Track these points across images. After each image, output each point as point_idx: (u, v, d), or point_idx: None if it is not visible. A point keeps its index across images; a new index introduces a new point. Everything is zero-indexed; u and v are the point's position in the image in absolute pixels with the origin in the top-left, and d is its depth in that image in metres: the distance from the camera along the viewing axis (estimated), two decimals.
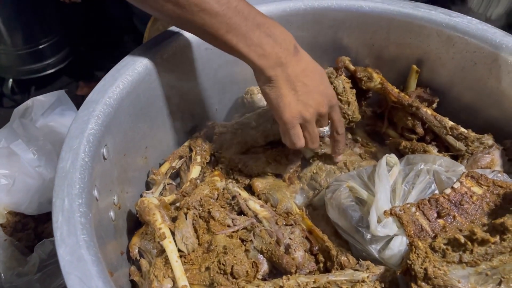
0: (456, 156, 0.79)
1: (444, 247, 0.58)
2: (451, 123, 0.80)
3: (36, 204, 0.88)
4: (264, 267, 0.70)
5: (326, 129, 0.76)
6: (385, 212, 0.65)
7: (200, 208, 0.72)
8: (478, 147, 0.77)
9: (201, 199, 0.73)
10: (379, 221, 0.65)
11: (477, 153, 0.76)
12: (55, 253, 0.79)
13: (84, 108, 0.63)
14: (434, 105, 0.86)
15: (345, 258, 0.69)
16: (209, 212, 0.72)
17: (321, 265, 0.71)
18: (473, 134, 0.79)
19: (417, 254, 0.59)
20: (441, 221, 0.65)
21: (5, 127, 0.95)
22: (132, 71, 0.70)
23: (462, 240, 0.56)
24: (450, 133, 0.79)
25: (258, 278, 0.69)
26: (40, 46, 1.77)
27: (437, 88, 0.86)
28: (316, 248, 0.72)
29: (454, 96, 0.85)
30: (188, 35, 0.78)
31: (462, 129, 0.79)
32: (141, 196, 0.79)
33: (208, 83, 0.87)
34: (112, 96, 0.66)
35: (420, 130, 0.83)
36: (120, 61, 0.71)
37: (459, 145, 0.78)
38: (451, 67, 0.83)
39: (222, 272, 0.66)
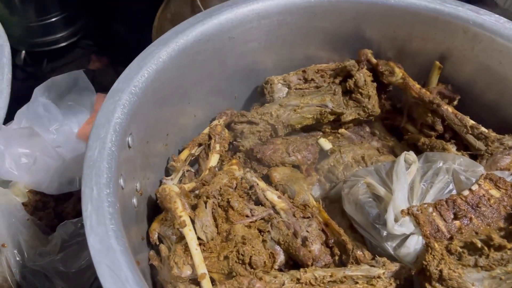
0: (475, 156, 0.79)
1: (461, 250, 0.59)
2: (471, 121, 0.80)
3: (56, 184, 0.90)
4: (281, 257, 0.72)
5: None
6: (402, 211, 0.66)
7: (220, 198, 0.74)
8: (498, 147, 0.77)
9: (221, 188, 0.74)
10: (396, 219, 0.66)
11: (496, 153, 0.76)
12: (76, 234, 0.82)
13: (110, 97, 0.64)
14: (455, 103, 0.85)
15: (361, 252, 0.70)
16: (228, 202, 0.73)
17: (337, 258, 0.73)
18: (493, 134, 0.79)
19: (433, 255, 0.60)
20: (457, 222, 0.66)
21: (26, 106, 0.96)
22: (157, 59, 0.70)
23: (479, 244, 0.57)
24: (470, 132, 0.79)
25: (275, 269, 0.70)
26: (53, 19, 1.77)
27: (459, 85, 0.86)
28: (332, 241, 0.74)
29: (476, 94, 0.85)
30: (211, 24, 0.78)
31: (483, 129, 0.79)
32: (161, 182, 0.80)
33: (229, 71, 0.87)
34: (137, 85, 0.67)
35: (439, 127, 0.83)
36: (144, 50, 0.71)
37: (479, 144, 0.78)
38: (475, 65, 0.83)
39: (240, 262, 0.67)
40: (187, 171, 0.83)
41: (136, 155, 0.67)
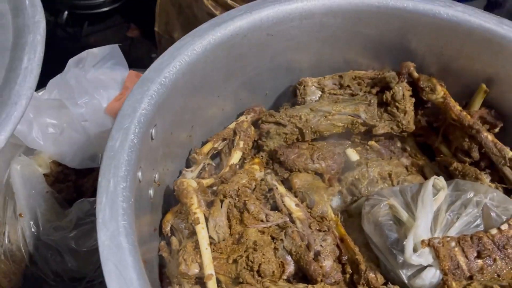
0: (510, 191, 0.75)
1: None
2: (511, 153, 0.75)
3: (79, 158, 0.90)
4: (291, 268, 0.70)
5: None
6: (422, 242, 0.63)
7: (237, 198, 0.72)
8: None
9: (239, 189, 0.73)
10: (415, 249, 0.64)
11: None
12: (92, 213, 0.82)
13: (138, 86, 0.63)
14: (496, 130, 0.81)
15: (373, 275, 0.68)
16: (245, 204, 0.72)
17: (347, 276, 0.71)
18: None
19: None
20: (480, 261, 0.62)
21: (59, 76, 0.96)
22: (191, 51, 0.69)
23: None
24: (508, 165, 0.75)
25: (283, 279, 0.69)
26: None
27: (504, 112, 0.81)
28: (345, 258, 0.72)
29: None
30: (251, 19, 0.75)
31: None
32: (181, 173, 0.80)
33: (263, 68, 0.84)
34: (168, 76, 0.65)
35: (476, 154, 0.78)
36: (179, 40, 0.69)
37: None
38: None
39: (249, 268, 0.66)
40: (208, 164, 0.82)
41: (158, 146, 0.66)
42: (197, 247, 0.68)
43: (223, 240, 0.70)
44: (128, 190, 0.54)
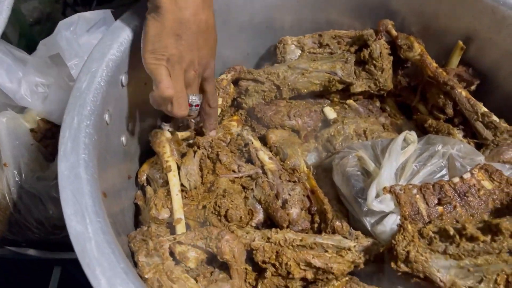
0: (481, 145, 0.75)
1: (432, 235, 0.57)
2: (484, 109, 0.76)
3: None
4: (260, 216, 0.72)
5: (196, 98, 0.67)
6: (384, 188, 0.64)
7: (210, 150, 0.74)
8: (506, 139, 0.72)
9: (212, 140, 0.75)
10: (377, 196, 0.65)
11: (503, 145, 0.72)
12: None
13: (109, 33, 0.65)
14: (473, 87, 0.81)
15: (339, 223, 0.70)
16: (217, 155, 0.74)
17: (316, 225, 0.72)
18: (505, 125, 0.74)
19: (404, 236, 0.58)
20: (440, 208, 0.63)
21: (49, 38, 0.99)
22: None
23: (451, 232, 0.55)
24: (480, 120, 0.75)
25: (251, 225, 0.71)
26: None
27: (480, 70, 0.81)
28: (315, 208, 0.73)
29: (497, 82, 0.80)
30: None
31: (494, 118, 0.74)
32: (159, 126, 0.82)
33: (243, 26, 0.86)
34: (139, 25, 0.67)
35: (449, 111, 0.79)
36: None
37: (487, 133, 0.74)
38: (501, 50, 0.77)
39: (216, 213, 0.69)
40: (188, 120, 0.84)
41: (130, 95, 0.68)
42: (168, 194, 0.70)
43: (195, 188, 0.72)
44: (92, 128, 0.56)
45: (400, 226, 0.60)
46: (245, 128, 0.82)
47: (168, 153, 0.71)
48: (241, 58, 0.90)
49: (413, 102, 0.87)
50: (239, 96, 0.86)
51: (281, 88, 0.83)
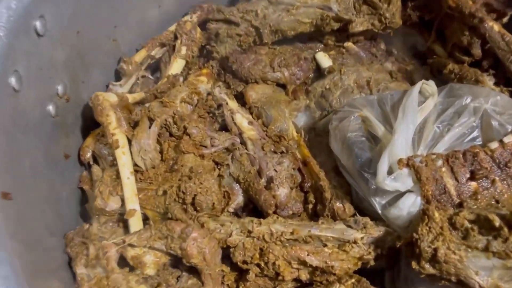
0: None
1: (469, 225, 0.42)
2: None
3: None
4: (238, 199, 0.57)
5: None
6: (399, 161, 0.49)
7: (174, 126, 0.57)
8: None
9: (174, 113, 0.57)
10: (390, 171, 0.49)
11: None
12: None
13: None
14: (505, 19, 0.63)
15: (340, 205, 0.55)
16: (185, 129, 0.57)
17: (310, 206, 0.57)
18: None
19: (429, 227, 0.44)
20: (473, 184, 0.49)
21: None
22: None
23: (497, 223, 0.40)
24: None
25: (228, 211, 0.56)
26: None
27: None
28: (308, 184, 0.59)
29: None
30: None
31: None
32: (107, 87, 0.64)
33: None
34: None
35: (477, 51, 0.63)
36: None
37: None
38: None
39: (180, 200, 0.53)
40: (143, 77, 0.67)
41: (54, 48, 0.51)
42: (118, 177, 0.54)
43: (152, 168, 0.56)
44: None
45: (424, 213, 0.44)
46: (217, 84, 0.66)
47: (113, 123, 0.55)
48: None
49: (428, 43, 0.71)
50: (208, 43, 0.70)
51: (261, 30, 0.66)
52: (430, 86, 0.57)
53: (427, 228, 0.44)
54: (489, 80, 0.61)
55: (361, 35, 0.71)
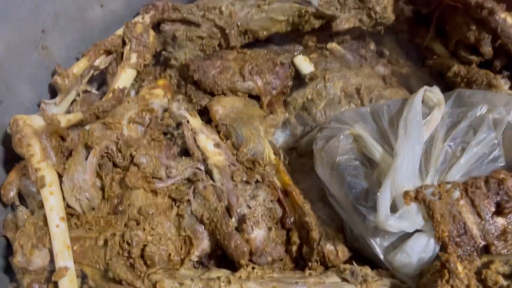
0: None
1: (505, 283, 0.32)
2: None
3: None
4: (203, 244, 0.48)
5: None
6: (406, 194, 0.39)
7: (118, 154, 0.46)
8: None
9: (118, 138, 0.46)
10: (393, 206, 0.38)
11: None
12: None
13: None
14: None
15: (332, 247, 0.47)
16: (132, 158, 0.45)
17: (294, 248, 0.47)
18: None
19: (452, 286, 0.32)
20: (501, 220, 0.38)
21: None
22: None
23: None
24: None
25: (191, 260, 0.45)
26: None
27: None
28: (291, 220, 0.49)
29: None
30: None
31: None
32: (39, 106, 0.52)
33: None
34: None
35: (487, 49, 0.55)
36: None
37: None
38: None
39: (125, 254, 0.41)
40: (85, 92, 0.55)
41: None
42: (46, 223, 0.42)
43: (92, 210, 0.45)
44: None
45: (443, 265, 0.33)
46: (176, 98, 0.57)
47: (37, 155, 0.44)
48: None
49: (426, 40, 0.62)
50: (164, 48, 0.61)
51: (226, 31, 0.59)
52: (434, 93, 0.49)
53: (449, 287, 0.33)
54: (504, 84, 0.52)
55: (347, 34, 0.64)
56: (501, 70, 0.56)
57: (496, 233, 0.40)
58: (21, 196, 0.50)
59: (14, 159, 0.51)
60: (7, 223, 0.49)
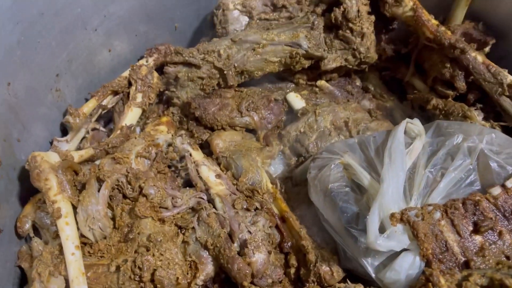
0: (511, 129, 0.54)
1: None
2: (510, 77, 0.54)
3: None
4: (208, 269, 0.50)
5: None
6: (392, 216, 0.42)
7: (127, 186, 0.49)
8: None
9: (128, 171, 0.49)
10: (382, 228, 0.42)
11: None
12: None
13: None
14: (487, 49, 0.59)
15: (327, 268, 0.49)
16: (141, 189, 0.49)
17: (292, 270, 0.50)
18: None
19: None
20: (479, 238, 0.42)
21: None
22: None
23: None
24: (507, 93, 0.54)
25: (196, 284, 0.47)
26: None
27: (494, 25, 0.60)
28: (289, 244, 0.51)
29: None
30: None
31: None
32: (52, 144, 0.56)
33: None
34: None
35: (461, 84, 0.59)
36: None
37: None
38: None
39: (137, 278, 0.44)
40: (94, 130, 0.59)
41: None
42: (62, 252, 0.45)
43: (104, 238, 0.48)
44: None
45: (427, 279, 0.37)
46: (179, 133, 0.59)
47: (54, 188, 0.47)
48: (168, 34, 0.66)
49: (407, 77, 0.66)
50: (167, 88, 0.64)
51: (225, 72, 0.61)
52: (416, 125, 0.52)
53: None
54: (477, 115, 0.56)
55: (334, 72, 0.66)
56: (475, 103, 0.60)
57: (474, 250, 0.43)
58: (35, 228, 0.53)
59: (29, 193, 0.54)
60: (22, 254, 0.51)
